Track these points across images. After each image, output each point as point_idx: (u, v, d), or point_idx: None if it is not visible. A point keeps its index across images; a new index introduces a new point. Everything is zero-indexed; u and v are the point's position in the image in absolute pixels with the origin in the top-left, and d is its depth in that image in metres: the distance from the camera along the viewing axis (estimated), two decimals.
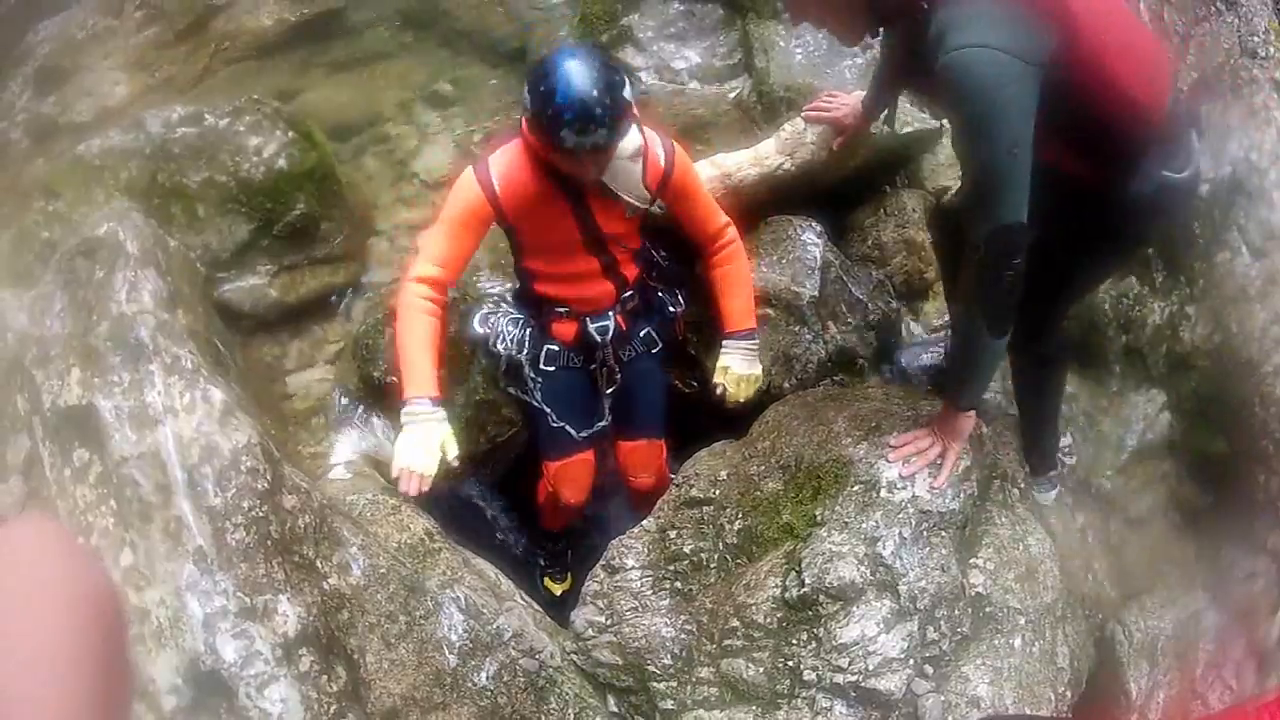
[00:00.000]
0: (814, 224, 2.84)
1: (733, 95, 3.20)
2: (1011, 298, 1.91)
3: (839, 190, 2.88)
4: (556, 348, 2.62)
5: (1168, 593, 2.60)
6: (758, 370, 2.67)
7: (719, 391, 2.64)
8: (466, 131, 3.52)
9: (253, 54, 3.75)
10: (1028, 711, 2.11)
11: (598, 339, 2.60)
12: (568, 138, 2.14)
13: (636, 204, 2.45)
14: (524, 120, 2.26)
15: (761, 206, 2.84)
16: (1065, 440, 2.81)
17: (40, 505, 2.16)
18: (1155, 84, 1.97)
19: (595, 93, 2.10)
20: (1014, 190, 1.78)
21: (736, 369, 2.64)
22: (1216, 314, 2.75)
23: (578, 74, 2.11)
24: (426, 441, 2.30)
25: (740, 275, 2.65)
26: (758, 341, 2.66)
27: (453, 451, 2.34)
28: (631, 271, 2.62)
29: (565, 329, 2.62)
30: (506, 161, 2.35)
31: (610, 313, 2.62)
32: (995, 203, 1.80)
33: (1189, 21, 2.99)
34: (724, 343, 2.65)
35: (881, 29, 2.00)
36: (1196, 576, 2.64)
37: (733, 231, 2.63)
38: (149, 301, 2.28)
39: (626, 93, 2.19)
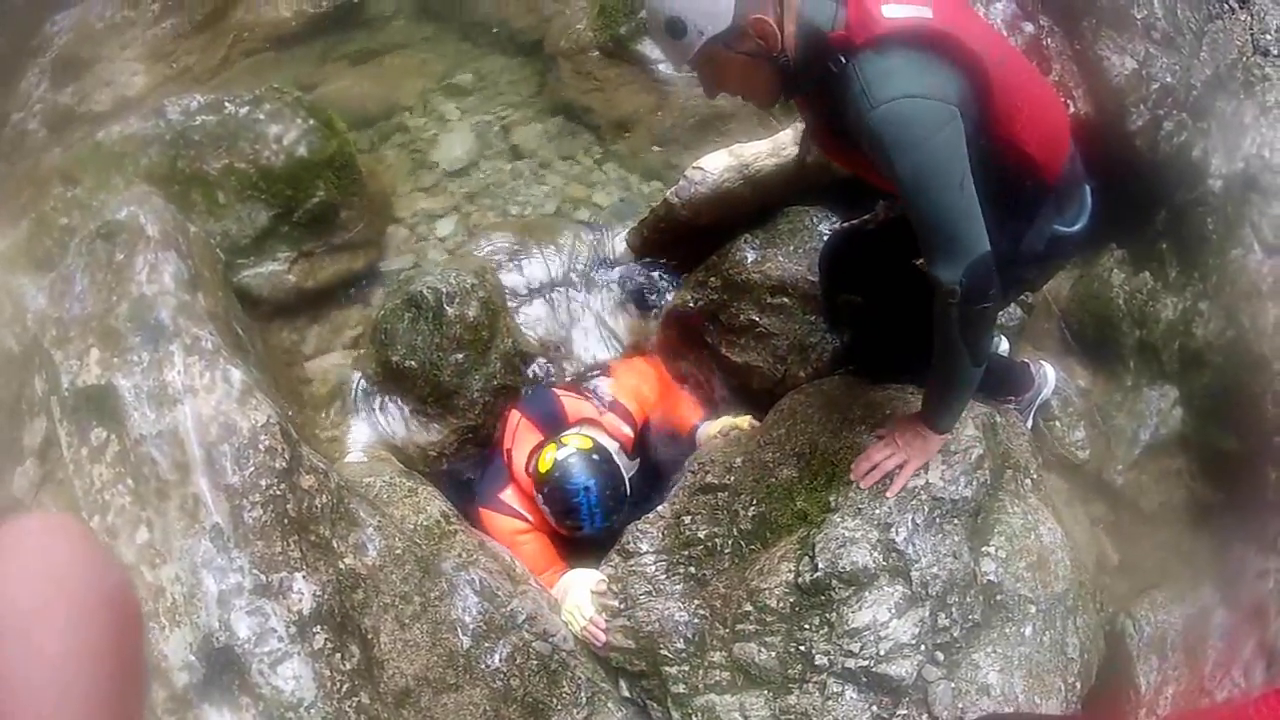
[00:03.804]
0: (831, 215, 2.86)
1: None
2: (991, 327, 1.90)
3: (856, 182, 2.88)
4: None
5: (1178, 588, 2.58)
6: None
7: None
8: (485, 122, 3.54)
9: (271, 45, 3.80)
10: (1036, 701, 2.12)
11: None
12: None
13: None
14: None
15: (779, 196, 2.85)
16: (1078, 434, 2.82)
17: (55, 487, 2.17)
18: (1054, 145, 1.99)
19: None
20: (975, 222, 1.77)
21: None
22: (1229, 311, 2.74)
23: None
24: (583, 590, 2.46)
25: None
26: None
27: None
28: None
29: None
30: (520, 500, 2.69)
31: None
32: (962, 240, 1.77)
33: (1201, 18, 3.00)
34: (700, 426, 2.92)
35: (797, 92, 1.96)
36: (1207, 573, 2.63)
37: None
38: (170, 283, 2.29)
39: None
